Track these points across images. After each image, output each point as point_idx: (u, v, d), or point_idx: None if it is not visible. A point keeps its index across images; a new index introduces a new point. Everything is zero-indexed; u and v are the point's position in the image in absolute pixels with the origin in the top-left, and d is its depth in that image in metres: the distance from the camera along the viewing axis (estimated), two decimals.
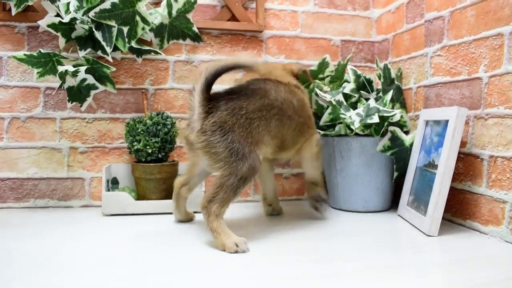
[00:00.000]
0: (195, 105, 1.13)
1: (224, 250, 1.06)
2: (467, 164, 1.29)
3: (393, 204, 1.56)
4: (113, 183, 1.55)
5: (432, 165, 1.28)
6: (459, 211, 1.32)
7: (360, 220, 1.39)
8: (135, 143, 1.44)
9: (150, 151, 1.44)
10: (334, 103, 1.46)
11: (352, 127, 1.43)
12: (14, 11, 1.42)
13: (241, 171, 1.09)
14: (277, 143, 1.22)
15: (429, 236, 1.20)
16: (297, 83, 1.37)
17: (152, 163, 1.46)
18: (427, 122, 1.40)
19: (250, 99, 1.16)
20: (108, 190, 1.50)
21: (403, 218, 1.40)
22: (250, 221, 1.38)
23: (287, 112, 1.22)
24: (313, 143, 1.33)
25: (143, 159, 1.46)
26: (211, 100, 1.12)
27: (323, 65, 1.61)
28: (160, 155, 1.46)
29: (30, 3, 1.42)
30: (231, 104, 1.13)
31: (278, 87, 1.24)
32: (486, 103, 1.21)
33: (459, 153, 1.29)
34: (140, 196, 1.50)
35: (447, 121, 1.24)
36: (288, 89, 1.27)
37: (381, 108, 1.42)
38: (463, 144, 1.29)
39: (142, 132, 1.44)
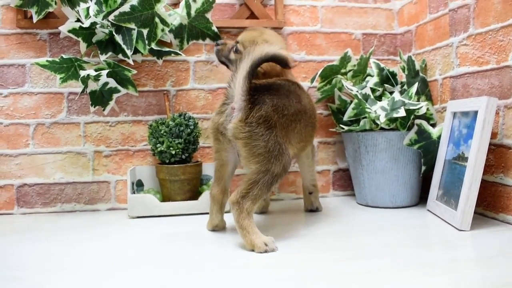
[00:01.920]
0: (237, 92, 1.09)
1: (253, 250, 1.04)
2: (498, 155, 1.24)
3: (421, 199, 1.53)
4: (138, 186, 1.56)
5: (462, 158, 1.24)
6: (492, 204, 1.28)
7: (388, 216, 1.36)
8: (159, 144, 1.44)
9: (173, 152, 1.43)
10: (360, 96, 1.44)
11: (377, 121, 1.40)
12: (35, 19, 1.44)
13: (277, 169, 1.08)
14: (300, 146, 1.25)
15: (461, 231, 1.16)
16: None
17: (176, 164, 1.46)
18: (454, 114, 1.36)
19: (290, 101, 1.17)
20: (133, 193, 1.51)
21: (433, 213, 1.37)
22: (275, 219, 1.37)
23: (311, 118, 1.27)
24: (311, 147, 1.41)
25: (167, 161, 1.46)
26: (255, 92, 1.11)
27: (345, 59, 1.58)
28: (183, 156, 1.46)
29: (50, 10, 1.44)
30: (276, 101, 1.13)
31: (304, 93, 1.28)
32: None
33: (490, 144, 1.25)
34: (165, 198, 1.50)
35: (476, 112, 1.21)
36: (307, 95, 1.31)
37: (406, 101, 1.38)
38: (493, 135, 1.25)
39: (165, 133, 1.44)
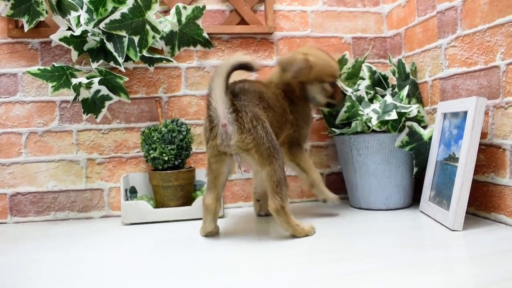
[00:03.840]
0: (221, 108, 1.10)
1: (307, 235, 1.18)
2: (489, 155, 1.26)
3: (414, 200, 1.53)
4: (132, 192, 1.56)
5: (453, 158, 1.25)
6: (483, 204, 1.28)
7: (381, 218, 1.37)
8: (151, 151, 1.45)
9: (166, 158, 1.44)
10: (353, 98, 1.45)
11: (369, 124, 1.41)
12: (26, 28, 1.44)
13: (281, 162, 1.17)
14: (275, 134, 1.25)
15: (454, 230, 1.17)
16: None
17: (169, 170, 1.46)
18: (445, 115, 1.37)
19: (252, 92, 1.20)
20: (127, 200, 1.51)
21: (426, 214, 1.37)
22: (270, 222, 1.37)
23: (270, 102, 1.24)
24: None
25: (160, 167, 1.46)
26: (234, 98, 1.14)
27: (342, 62, 1.60)
28: (176, 162, 1.46)
29: (41, 19, 1.45)
30: (247, 95, 1.17)
31: (255, 82, 1.30)
32: (505, 91, 1.19)
33: (480, 144, 1.26)
34: (158, 204, 1.50)
35: (465, 113, 1.22)
36: (261, 84, 1.30)
37: (398, 104, 1.40)
38: (483, 135, 1.26)
39: (157, 140, 1.44)
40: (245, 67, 1.15)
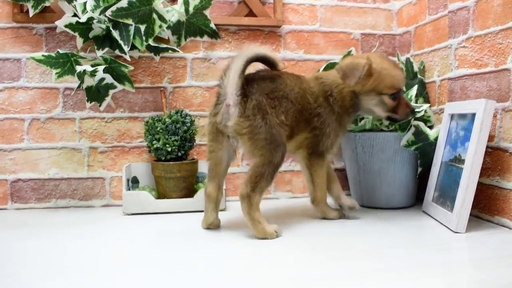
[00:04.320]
0: (230, 88, 1.12)
1: (265, 237, 1.12)
2: (495, 158, 1.24)
3: (417, 200, 1.53)
4: (133, 182, 1.55)
5: (459, 160, 1.24)
6: (487, 207, 1.28)
7: (383, 217, 1.36)
8: (155, 141, 1.44)
9: (169, 149, 1.43)
10: None
11: (376, 123, 1.40)
12: (31, 13, 1.43)
13: (277, 159, 1.14)
14: (290, 131, 1.22)
15: (456, 233, 1.16)
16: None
17: (172, 161, 1.45)
18: (452, 116, 1.36)
19: (267, 81, 1.18)
20: (129, 189, 1.50)
21: (428, 215, 1.37)
22: (270, 219, 1.36)
23: (289, 96, 1.20)
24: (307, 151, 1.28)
25: (163, 158, 1.45)
26: (246, 85, 1.14)
27: None
28: (179, 154, 1.45)
29: (47, 4, 1.43)
30: (257, 85, 1.16)
31: (283, 73, 1.24)
32: None
33: (487, 147, 1.25)
34: (160, 195, 1.49)
35: (473, 115, 1.20)
36: (293, 76, 1.26)
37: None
38: (490, 138, 1.25)
39: (161, 130, 1.43)
40: (268, 62, 1.18)
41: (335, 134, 1.27)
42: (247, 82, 1.15)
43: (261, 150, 1.12)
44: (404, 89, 1.52)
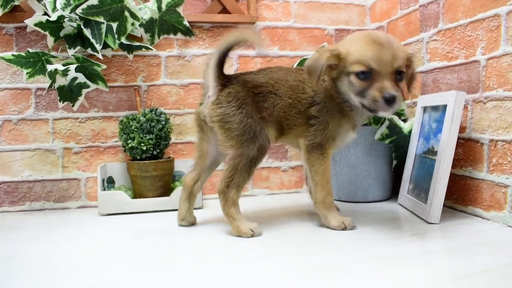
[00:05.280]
0: (209, 80, 1.15)
1: (240, 236, 1.10)
2: (467, 149, 1.26)
3: (393, 193, 1.54)
4: (109, 182, 1.53)
5: (432, 152, 1.26)
6: (460, 197, 1.30)
7: (360, 210, 1.37)
8: (130, 141, 1.42)
9: (145, 148, 1.41)
10: None
11: None
12: (0, 12, 1.40)
13: (252, 152, 1.11)
14: (279, 126, 1.19)
15: (431, 223, 1.18)
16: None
17: (147, 160, 1.44)
18: (425, 109, 1.37)
19: (254, 76, 1.19)
20: (104, 190, 1.48)
21: (404, 207, 1.38)
22: (248, 217, 1.36)
23: (279, 91, 1.17)
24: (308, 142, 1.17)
25: (138, 157, 1.44)
26: (225, 77, 1.16)
27: None
28: (155, 152, 1.44)
29: (16, 3, 1.40)
30: (241, 77, 1.17)
31: (280, 69, 1.22)
32: (484, 86, 1.19)
33: (459, 138, 1.27)
34: (136, 194, 1.47)
35: (445, 106, 1.22)
36: (292, 70, 1.22)
37: None
38: (462, 129, 1.27)
39: (136, 129, 1.42)
40: (248, 43, 1.16)
41: (336, 123, 1.15)
42: (233, 77, 1.17)
43: (232, 141, 1.11)
44: None
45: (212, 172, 1.29)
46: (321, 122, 1.15)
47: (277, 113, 1.16)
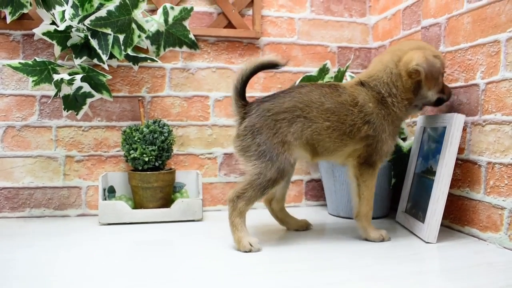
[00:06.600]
0: (234, 111, 1.21)
1: (239, 249, 1.12)
2: (465, 170, 1.28)
3: (391, 210, 1.56)
4: (110, 192, 1.54)
5: (430, 172, 1.28)
6: (458, 217, 1.31)
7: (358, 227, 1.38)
8: (132, 151, 1.43)
9: (147, 159, 1.43)
10: None
11: None
12: (9, 19, 1.41)
13: (270, 173, 1.13)
14: (306, 146, 1.19)
15: (428, 243, 1.19)
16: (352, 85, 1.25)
17: (149, 171, 1.45)
18: (424, 129, 1.40)
19: (278, 100, 1.18)
20: (105, 199, 1.49)
21: (401, 225, 1.40)
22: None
23: (310, 114, 1.17)
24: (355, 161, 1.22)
25: (140, 168, 1.45)
26: (246, 106, 1.19)
27: (323, 71, 1.59)
28: (157, 163, 1.46)
29: (25, 11, 1.42)
30: (260, 106, 1.18)
31: (312, 91, 1.19)
32: (483, 109, 1.21)
33: (457, 159, 1.29)
34: (137, 205, 1.49)
35: (444, 128, 1.24)
36: (326, 91, 1.20)
37: None
38: (460, 150, 1.29)
39: (138, 140, 1.43)
40: (267, 67, 1.20)
41: (392, 138, 1.22)
42: (254, 105, 1.19)
43: (253, 163, 1.15)
44: None
45: (288, 185, 1.36)
46: (378, 140, 1.19)
47: (307, 136, 1.17)
